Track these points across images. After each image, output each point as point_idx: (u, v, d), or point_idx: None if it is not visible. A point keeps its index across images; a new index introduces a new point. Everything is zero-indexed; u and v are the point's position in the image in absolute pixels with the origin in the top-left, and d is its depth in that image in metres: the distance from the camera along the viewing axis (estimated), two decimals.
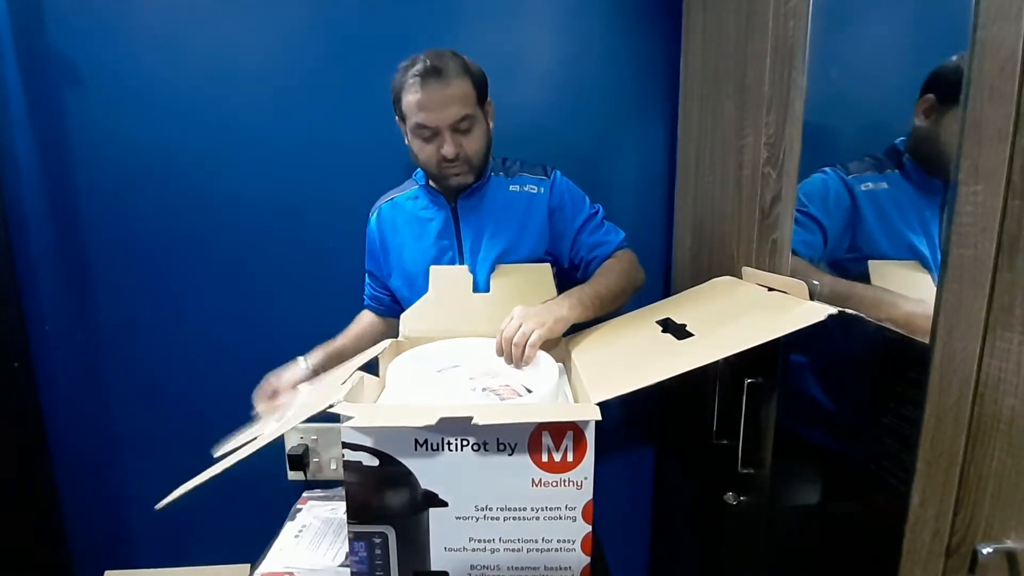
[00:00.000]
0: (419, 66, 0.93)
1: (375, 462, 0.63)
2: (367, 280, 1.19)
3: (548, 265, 1.03)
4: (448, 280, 1.01)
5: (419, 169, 1.08)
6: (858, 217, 0.75)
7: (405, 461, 0.63)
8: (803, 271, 0.79)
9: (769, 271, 0.84)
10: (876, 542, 0.67)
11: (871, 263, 0.71)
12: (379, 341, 1.02)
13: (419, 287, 1.03)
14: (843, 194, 0.76)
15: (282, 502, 1.03)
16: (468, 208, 1.05)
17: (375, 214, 1.12)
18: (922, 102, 0.66)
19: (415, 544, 0.66)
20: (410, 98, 0.94)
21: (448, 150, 0.96)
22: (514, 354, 0.83)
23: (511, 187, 1.06)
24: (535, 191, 1.06)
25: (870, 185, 0.74)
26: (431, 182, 1.07)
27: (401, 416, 0.63)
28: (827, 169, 0.78)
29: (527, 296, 0.95)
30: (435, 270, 1.01)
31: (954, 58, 0.55)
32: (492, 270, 1.03)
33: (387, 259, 1.11)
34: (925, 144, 0.68)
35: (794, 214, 0.80)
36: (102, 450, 1.42)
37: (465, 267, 1.02)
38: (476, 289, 1.02)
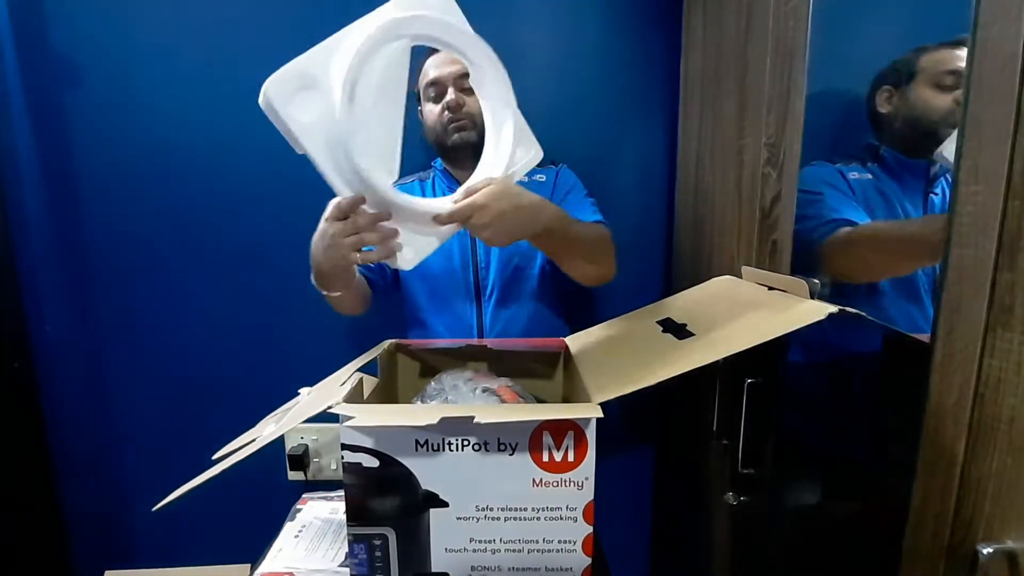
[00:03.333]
0: None
1: (375, 463, 0.63)
2: None
3: None
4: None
5: (438, 158, 1.13)
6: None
7: (405, 461, 0.63)
8: (868, 228, 0.79)
9: (769, 271, 0.84)
10: (876, 542, 0.67)
11: None
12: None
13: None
14: (839, 180, 0.78)
15: (282, 502, 1.02)
16: None
17: None
18: (880, 94, 0.74)
19: (416, 545, 0.65)
20: (424, 65, 1.03)
21: (451, 99, 1.01)
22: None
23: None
24: (542, 180, 1.10)
25: (856, 175, 0.76)
26: (447, 166, 1.11)
27: (401, 416, 0.63)
28: (815, 163, 0.80)
29: None
30: None
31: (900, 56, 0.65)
32: (500, 257, 1.06)
33: None
34: (898, 125, 0.73)
35: (801, 197, 0.81)
36: (102, 450, 1.42)
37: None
38: (477, 275, 1.05)
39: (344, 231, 0.71)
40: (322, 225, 0.74)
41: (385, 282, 1.13)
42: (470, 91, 0.98)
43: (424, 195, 1.11)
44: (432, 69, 1.02)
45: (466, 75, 0.95)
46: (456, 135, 1.04)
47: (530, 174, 1.07)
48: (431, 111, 1.05)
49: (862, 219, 0.77)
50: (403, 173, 1.15)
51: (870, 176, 0.77)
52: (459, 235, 1.05)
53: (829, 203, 0.79)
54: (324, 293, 0.89)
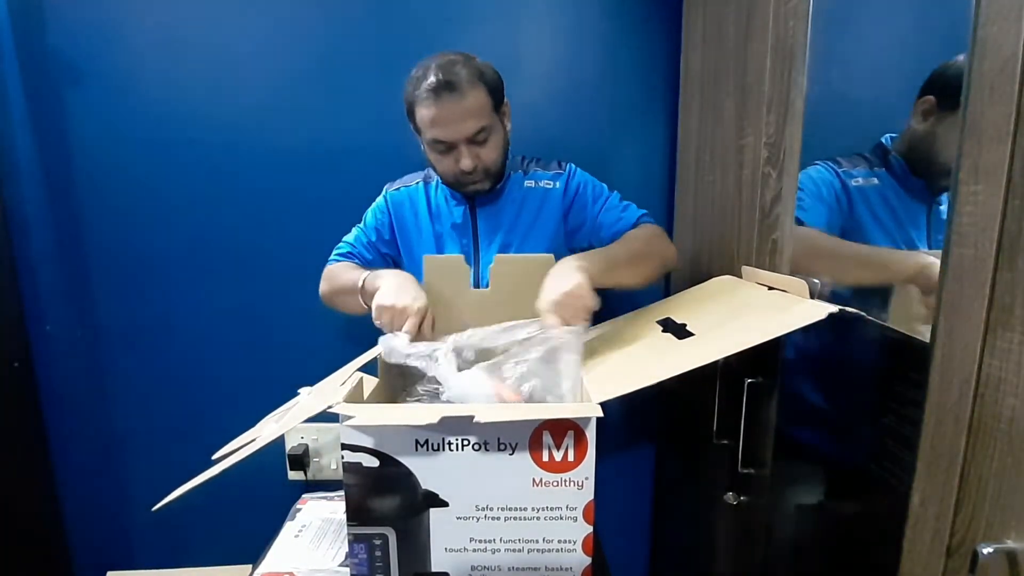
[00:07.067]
0: (431, 79, 0.90)
1: (375, 463, 0.63)
2: (355, 239, 1.12)
3: (551, 256, 0.97)
4: (444, 271, 0.96)
5: None
6: (850, 211, 0.75)
7: (405, 461, 0.63)
8: (808, 235, 0.79)
9: (769, 271, 0.84)
10: (876, 542, 0.67)
11: None
12: None
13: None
14: (836, 186, 0.76)
15: (282, 502, 1.03)
16: (486, 204, 1.05)
17: (387, 196, 1.11)
18: (921, 103, 0.65)
19: (415, 545, 0.65)
20: (424, 113, 0.93)
21: (466, 163, 0.95)
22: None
23: (526, 183, 1.06)
24: (550, 186, 1.06)
25: (860, 181, 0.74)
26: None
27: (401, 415, 0.63)
28: (818, 163, 0.78)
29: (528, 290, 0.94)
30: (429, 259, 0.97)
31: (960, 58, 0.50)
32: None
33: (398, 241, 1.10)
34: (919, 146, 0.68)
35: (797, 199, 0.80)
36: (102, 450, 1.42)
37: (461, 257, 0.98)
38: (478, 285, 1.01)
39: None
40: (397, 314, 0.86)
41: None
42: (482, 142, 0.95)
43: (427, 198, 1.08)
44: (435, 128, 0.93)
45: (478, 132, 0.93)
46: (471, 188, 1.01)
47: (537, 177, 1.07)
48: (439, 161, 0.99)
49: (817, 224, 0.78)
50: (399, 169, 1.16)
51: (876, 181, 0.73)
52: (467, 250, 1.05)
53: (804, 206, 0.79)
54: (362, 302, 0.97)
